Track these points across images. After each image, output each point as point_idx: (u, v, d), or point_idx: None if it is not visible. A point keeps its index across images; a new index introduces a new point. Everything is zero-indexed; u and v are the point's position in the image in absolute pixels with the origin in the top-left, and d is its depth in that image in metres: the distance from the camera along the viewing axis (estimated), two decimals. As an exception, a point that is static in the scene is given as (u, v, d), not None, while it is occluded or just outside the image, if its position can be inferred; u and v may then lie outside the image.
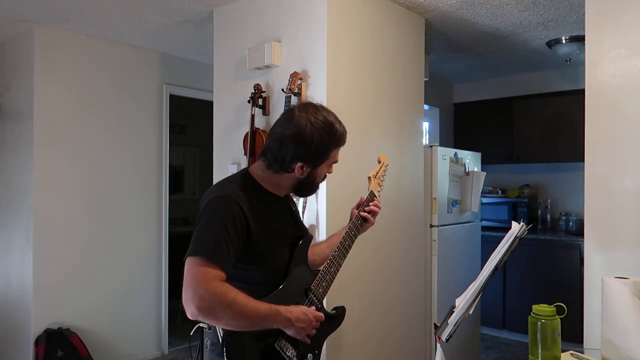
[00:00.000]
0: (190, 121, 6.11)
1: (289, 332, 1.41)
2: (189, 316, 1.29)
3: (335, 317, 1.61)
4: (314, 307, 1.50)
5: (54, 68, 3.73)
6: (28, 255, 3.65)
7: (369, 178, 1.80)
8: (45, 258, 3.65)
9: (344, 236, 1.64)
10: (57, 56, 3.74)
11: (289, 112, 1.52)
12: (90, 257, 3.89)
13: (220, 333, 1.40)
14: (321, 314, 1.48)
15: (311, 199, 2.76)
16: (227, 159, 3.28)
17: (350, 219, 1.74)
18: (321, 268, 1.58)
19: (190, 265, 1.31)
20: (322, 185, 2.71)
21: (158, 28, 3.72)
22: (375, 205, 1.74)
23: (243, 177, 1.51)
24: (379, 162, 1.87)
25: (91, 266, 3.90)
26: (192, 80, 4.52)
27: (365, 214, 1.72)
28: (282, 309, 1.38)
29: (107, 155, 4.01)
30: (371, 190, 1.78)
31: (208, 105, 3.61)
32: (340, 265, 1.61)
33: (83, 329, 3.79)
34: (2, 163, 4.01)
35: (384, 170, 1.86)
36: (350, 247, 1.65)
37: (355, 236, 1.68)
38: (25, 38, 3.75)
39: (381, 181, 1.83)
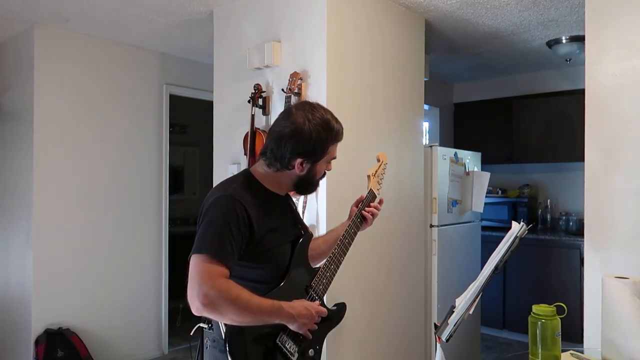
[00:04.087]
0: (190, 121, 6.10)
1: (292, 326, 1.43)
2: (194, 312, 1.33)
3: (337, 313, 1.63)
4: (317, 302, 1.52)
5: (54, 68, 3.73)
6: (28, 255, 3.65)
7: (368, 177, 1.80)
8: (45, 258, 3.65)
9: (343, 234, 1.65)
10: (57, 56, 3.75)
11: (286, 111, 1.56)
12: (90, 257, 3.89)
13: (223, 330, 1.43)
14: (323, 309, 1.50)
15: (311, 198, 2.76)
16: (227, 159, 3.28)
17: (350, 216, 1.75)
18: (321, 266, 1.59)
19: (195, 262, 1.35)
20: (322, 185, 2.71)
21: (158, 28, 3.72)
22: (376, 208, 1.75)
23: (245, 177, 1.54)
24: (378, 160, 1.86)
25: (91, 266, 3.90)
26: (192, 80, 4.52)
27: (365, 213, 1.73)
28: (285, 304, 1.41)
29: (107, 155, 4.01)
30: (370, 189, 1.77)
31: (208, 105, 3.61)
32: (340, 263, 1.62)
33: (83, 329, 3.79)
34: (2, 163, 4.01)
35: (383, 169, 1.85)
36: (349, 244, 1.66)
37: (355, 234, 1.69)
38: (25, 38, 3.74)
39: (380, 179, 1.83)
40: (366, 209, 1.73)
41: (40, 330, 3.60)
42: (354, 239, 1.69)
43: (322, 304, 1.55)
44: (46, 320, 3.64)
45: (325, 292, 1.58)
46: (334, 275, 1.61)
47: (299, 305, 1.44)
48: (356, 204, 1.77)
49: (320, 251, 1.72)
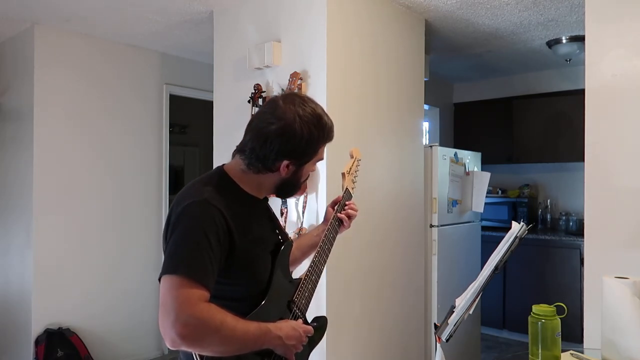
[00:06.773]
0: (190, 121, 6.11)
1: (278, 351, 1.26)
2: (170, 346, 1.11)
3: (319, 329, 1.46)
4: (301, 320, 1.37)
5: (54, 68, 3.73)
6: (28, 255, 3.65)
7: (343, 174, 1.68)
8: (45, 258, 3.65)
9: (323, 239, 1.51)
10: (57, 56, 3.74)
11: (271, 103, 1.33)
12: (90, 257, 3.89)
13: (196, 358, 1.21)
14: (310, 328, 1.34)
15: (311, 198, 2.76)
16: (227, 159, 3.26)
17: (326, 218, 1.64)
18: (301, 277, 1.44)
19: (168, 286, 1.13)
20: (322, 185, 2.71)
21: (158, 28, 3.72)
22: (352, 209, 1.63)
23: (220, 178, 1.35)
24: (352, 156, 1.73)
25: (91, 266, 3.89)
26: (192, 80, 4.52)
27: (342, 215, 1.60)
28: (272, 326, 1.24)
29: (107, 155, 4.01)
30: (346, 189, 1.66)
31: (208, 105, 3.61)
32: (321, 272, 1.47)
33: (83, 329, 3.78)
34: (2, 162, 4.01)
35: (357, 166, 1.74)
36: (329, 251, 1.52)
37: (334, 238, 1.56)
38: (25, 38, 3.74)
39: (355, 177, 1.72)
40: (342, 211, 1.60)
41: (40, 330, 3.60)
42: (333, 244, 1.54)
43: (305, 320, 1.40)
44: (46, 320, 3.64)
45: (307, 307, 1.42)
46: (316, 287, 1.45)
47: (286, 325, 1.27)
48: (332, 205, 1.63)
49: (293, 258, 1.53)
